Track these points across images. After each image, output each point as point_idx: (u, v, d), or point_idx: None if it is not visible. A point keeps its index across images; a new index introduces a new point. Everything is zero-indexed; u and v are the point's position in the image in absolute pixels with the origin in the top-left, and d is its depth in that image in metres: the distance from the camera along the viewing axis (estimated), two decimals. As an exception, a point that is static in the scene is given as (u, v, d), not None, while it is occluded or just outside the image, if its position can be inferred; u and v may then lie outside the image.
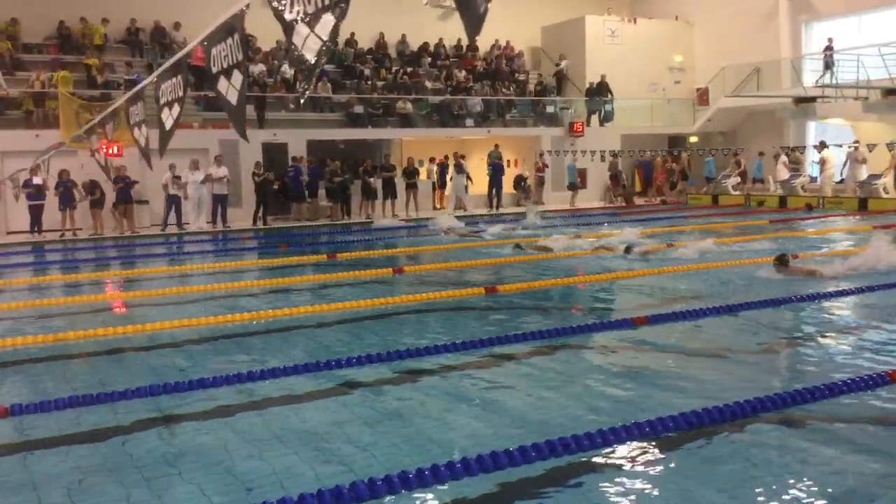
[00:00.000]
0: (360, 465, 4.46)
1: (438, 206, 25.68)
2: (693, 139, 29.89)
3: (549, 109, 28.19)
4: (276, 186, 21.99)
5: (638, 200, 27.38)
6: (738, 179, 26.37)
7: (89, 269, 14.67)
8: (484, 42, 30.07)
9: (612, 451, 4.54)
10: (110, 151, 20.28)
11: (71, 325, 8.61)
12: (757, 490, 4.04)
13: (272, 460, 4.62)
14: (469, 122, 26.43)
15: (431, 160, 25.81)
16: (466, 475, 4.15)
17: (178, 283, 11.97)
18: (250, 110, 23.30)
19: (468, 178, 24.74)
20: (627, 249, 12.89)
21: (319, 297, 9.96)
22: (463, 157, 24.81)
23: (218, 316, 8.69)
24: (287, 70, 24.58)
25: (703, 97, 29.44)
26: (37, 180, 18.77)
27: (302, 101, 23.28)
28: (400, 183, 23.45)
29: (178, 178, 20.04)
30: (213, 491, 4.21)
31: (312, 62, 3.20)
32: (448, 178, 25.01)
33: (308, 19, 3.25)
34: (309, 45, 3.20)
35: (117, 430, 5.23)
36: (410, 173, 23.68)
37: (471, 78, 27.85)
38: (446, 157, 25.10)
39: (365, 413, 5.41)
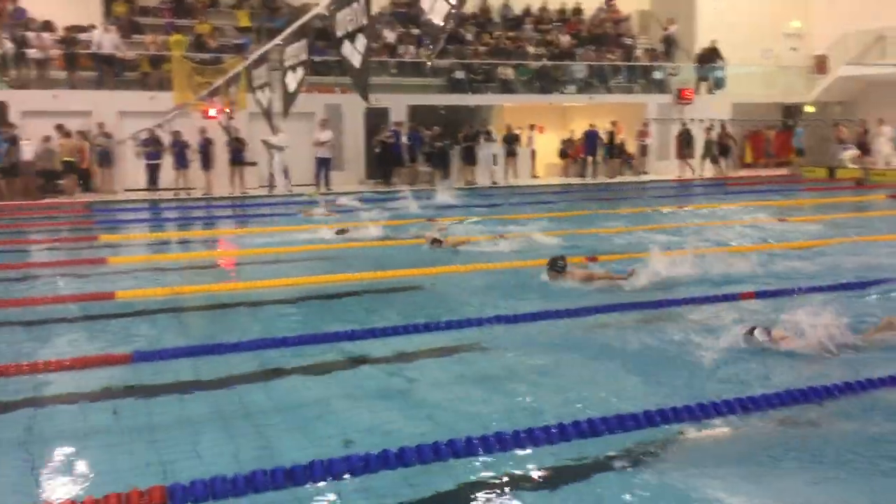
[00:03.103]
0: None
1: (536, 174, 25.56)
2: (809, 109, 28.44)
3: (657, 76, 27.36)
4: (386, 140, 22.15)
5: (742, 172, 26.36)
6: (857, 152, 24.99)
7: (201, 226, 15.24)
8: (590, 5, 29.36)
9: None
10: (227, 113, 21.04)
11: (186, 280, 8.99)
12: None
13: (370, 415, 4.73)
14: (571, 88, 25.94)
15: (531, 127, 25.59)
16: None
17: (283, 242, 12.23)
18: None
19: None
20: (434, 241, 11.06)
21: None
22: (513, 129, 24.24)
23: (321, 275, 8.89)
24: (388, 35, 24.71)
25: (821, 65, 27.94)
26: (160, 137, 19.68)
27: (429, 64, 23.37)
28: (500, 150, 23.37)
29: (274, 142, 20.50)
30: (313, 443, 4.34)
31: (440, 26, 3.18)
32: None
33: (437, -15, 3.24)
34: (437, 9, 3.17)
35: (228, 381, 5.45)
36: (510, 140, 23.50)
37: (575, 43, 27.27)
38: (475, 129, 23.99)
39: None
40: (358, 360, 5.83)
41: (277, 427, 4.64)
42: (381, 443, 4.14)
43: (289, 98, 4.80)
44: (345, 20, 3.88)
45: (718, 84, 27.29)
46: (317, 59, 23.44)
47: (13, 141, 18.76)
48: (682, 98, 26.22)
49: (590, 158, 25.02)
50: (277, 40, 5.52)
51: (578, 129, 25.83)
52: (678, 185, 23.30)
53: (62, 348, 6.24)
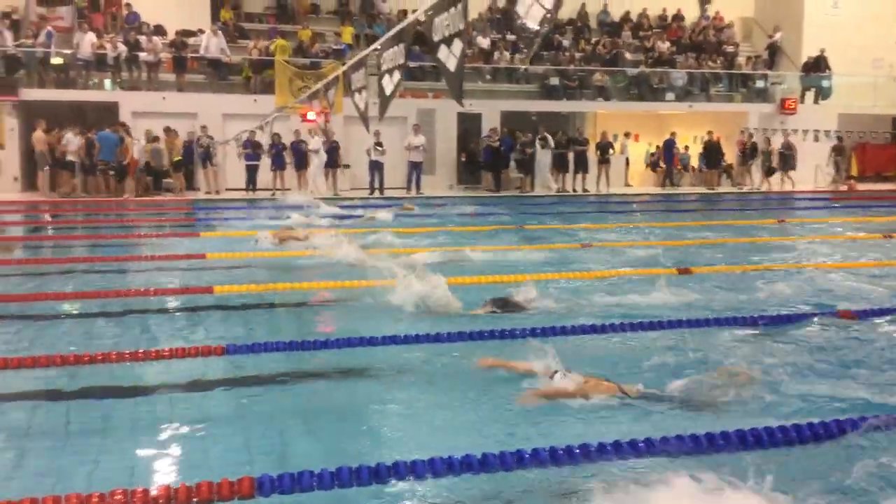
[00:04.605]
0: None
1: (630, 182, 25.19)
2: (923, 121, 27.03)
3: (759, 84, 26.49)
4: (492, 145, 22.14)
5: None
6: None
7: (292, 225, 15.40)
8: (691, 12, 28.70)
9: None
10: (323, 117, 21.51)
11: (276, 277, 9.23)
12: None
13: (453, 416, 4.75)
14: (669, 95, 25.41)
15: (626, 135, 25.21)
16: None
17: (371, 243, 12.31)
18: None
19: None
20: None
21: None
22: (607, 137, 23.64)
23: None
24: (482, 42, 24.84)
25: (936, 75, 26.51)
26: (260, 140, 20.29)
27: (524, 69, 23.51)
28: (592, 157, 23.12)
29: (380, 144, 20.84)
30: (396, 442, 4.39)
31: (535, 31, 3.17)
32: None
33: (534, -13, 3.24)
34: (532, 13, 3.17)
35: (315, 377, 5.57)
36: (604, 147, 23.20)
37: (675, 49, 26.71)
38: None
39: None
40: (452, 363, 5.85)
41: (362, 425, 4.72)
42: (461, 446, 4.15)
43: (385, 101, 4.89)
44: (441, 25, 3.91)
45: (824, 94, 26.22)
46: (412, 64, 23.78)
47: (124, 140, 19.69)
48: (784, 108, 25.30)
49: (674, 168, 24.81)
50: (376, 45, 5.59)
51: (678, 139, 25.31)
52: (770, 197, 22.55)
53: (161, 339, 6.50)
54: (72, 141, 19.16)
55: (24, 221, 16.32)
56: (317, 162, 20.86)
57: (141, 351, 5.93)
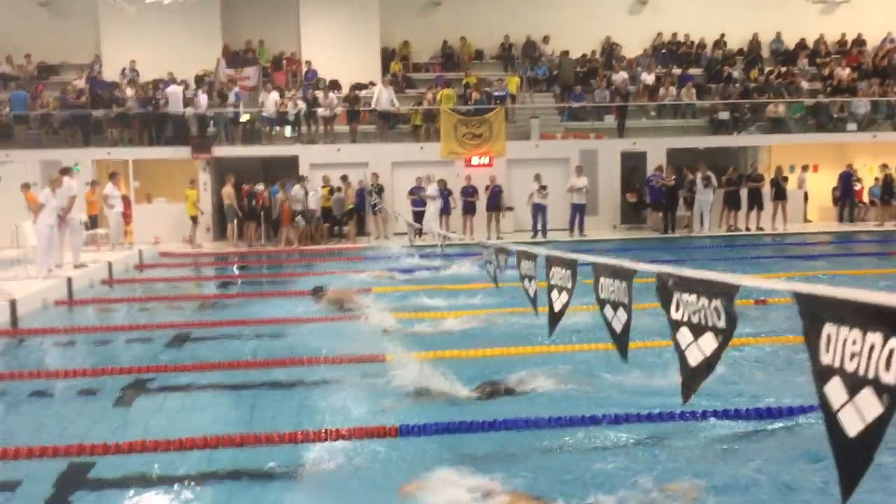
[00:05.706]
0: None
1: (810, 218, 23.78)
2: None
3: (955, 111, 24.35)
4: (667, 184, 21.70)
5: None
6: None
7: (459, 276, 15.43)
8: (874, 36, 26.88)
9: None
10: (481, 161, 22.15)
11: (452, 343, 9.00)
12: None
13: None
14: (851, 125, 23.88)
15: (804, 168, 23.90)
16: None
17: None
18: (610, 119, 23.66)
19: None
20: (316, 291, 11.76)
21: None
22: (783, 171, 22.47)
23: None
24: (647, 77, 24.49)
25: None
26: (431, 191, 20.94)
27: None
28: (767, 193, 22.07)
29: (544, 187, 20.95)
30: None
31: (699, 377, 2.97)
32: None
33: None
34: (692, 353, 2.99)
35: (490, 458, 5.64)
36: (779, 183, 22.09)
37: (856, 76, 25.10)
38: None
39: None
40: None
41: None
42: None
43: (554, 318, 4.60)
44: (607, 287, 3.87)
45: None
46: (574, 105, 23.85)
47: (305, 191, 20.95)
48: None
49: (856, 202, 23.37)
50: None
51: (861, 170, 23.69)
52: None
53: (330, 414, 6.69)
54: (298, 193, 20.45)
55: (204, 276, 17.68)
56: (432, 209, 21.08)
57: (311, 432, 6.10)
